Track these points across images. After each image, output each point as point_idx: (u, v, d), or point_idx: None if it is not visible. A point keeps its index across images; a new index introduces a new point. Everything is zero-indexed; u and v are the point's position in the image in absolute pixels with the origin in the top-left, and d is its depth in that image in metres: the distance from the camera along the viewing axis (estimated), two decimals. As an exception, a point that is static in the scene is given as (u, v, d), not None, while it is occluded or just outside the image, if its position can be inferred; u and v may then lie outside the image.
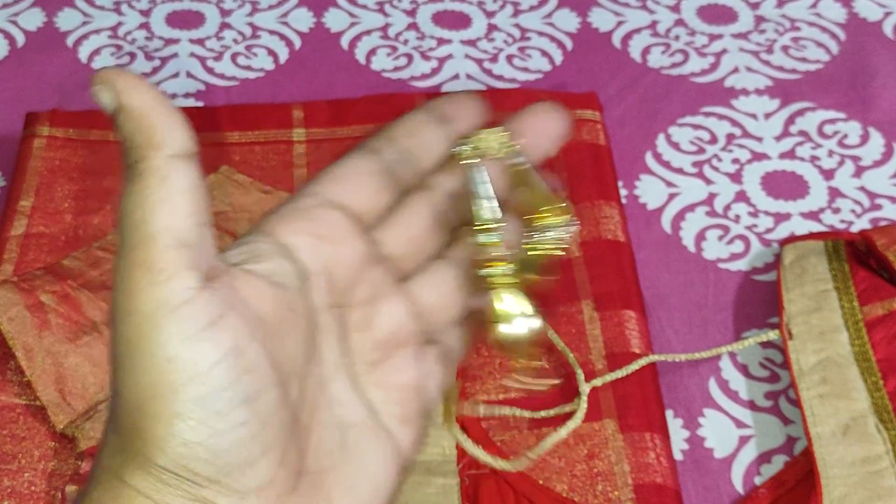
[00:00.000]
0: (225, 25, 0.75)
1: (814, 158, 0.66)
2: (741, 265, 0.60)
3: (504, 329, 0.32)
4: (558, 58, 0.73)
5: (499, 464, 0.49)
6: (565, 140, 0.34)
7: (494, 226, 0.32)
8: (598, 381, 0.52)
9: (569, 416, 0.52)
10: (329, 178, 0.32)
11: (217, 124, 0.66)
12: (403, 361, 0.32)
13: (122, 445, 0.27)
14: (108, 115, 0.27)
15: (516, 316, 0.32)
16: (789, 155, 0.66)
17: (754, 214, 0.63)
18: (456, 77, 0.72)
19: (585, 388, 0.52)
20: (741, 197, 0.64)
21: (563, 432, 0.50)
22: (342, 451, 0.30)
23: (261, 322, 0.28)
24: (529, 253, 0.33)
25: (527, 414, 0.51)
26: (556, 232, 0.32)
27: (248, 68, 0.72)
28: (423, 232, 0.33)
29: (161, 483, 0.27)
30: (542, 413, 0.52)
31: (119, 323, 0.27)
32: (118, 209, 0.27)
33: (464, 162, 0.33)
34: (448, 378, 0.34)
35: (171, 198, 0.26)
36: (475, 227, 0.32)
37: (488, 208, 0.32)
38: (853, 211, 0.63)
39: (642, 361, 0.53)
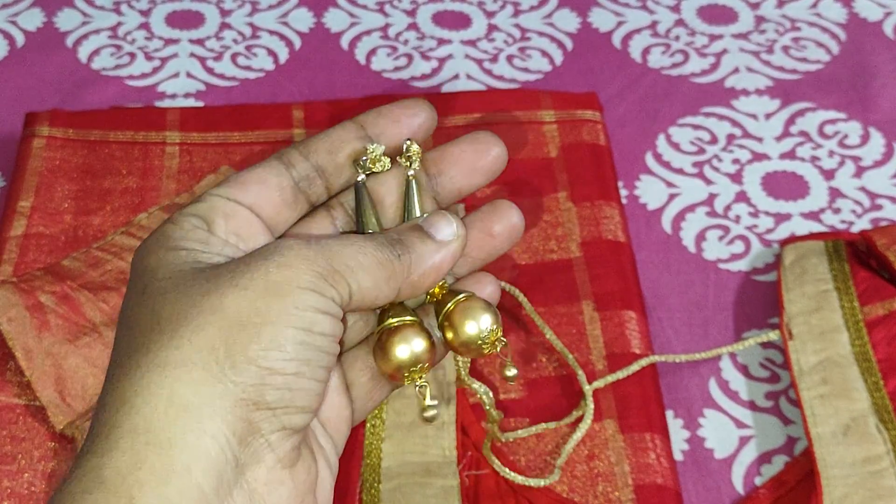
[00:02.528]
0: (225, 25, 0.75)
1: (814, 159, 0.66)
2: (741, 265, 0.60)
3: (460, 334, 0.33)
4: (558, 58, 0.73)
5: (532, 482, 0.49)
6: (501, 172, 0.34)
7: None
8: (600, 383, 0.52)
9: (575, 419, 0.52)
10: (238, 182, 0.32)
11: (217, 124, 0.66)
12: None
13: (186, 358, 0.28)
14: (425, 229, 0.32)
15: (464, 321, 0.33)
16: (790, 155, 0.66)
17: (755, 215, 0.63)
18: (456, 77, 0.72)
19: (589, 389, 0.52)
20: (741, 197, 0.64)
21: (579, 434, 0.50)
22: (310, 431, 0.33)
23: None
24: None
25: (552, 426, 0.51)
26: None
27: (248, 68, 0.72)
28: None
29: (220, 398, 0.28)
30: (565, 420, 0.52)
31: (265, 267, 0.29)
32: (331, 239, 0.31)
33: (358, 179, 0.34)
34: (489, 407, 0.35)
35: (372, 273, 0.31)
36: None
37: (369, 224, 0.33)
38: (853, 211, 0.63)
39: (643, 362, 0.53)
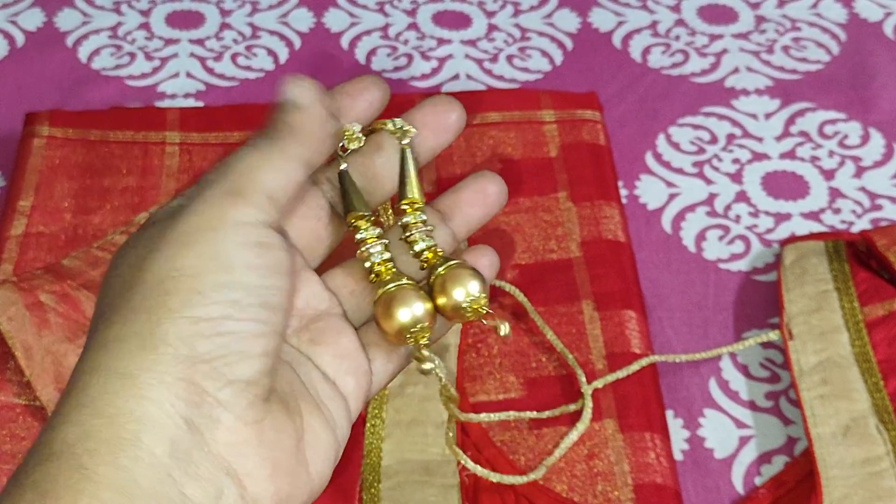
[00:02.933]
0: (225, 25, 0.75)
1: (814, 159, 0.66)
2: (741, 265, 0.60)
3: (448, 299, 0.33)
4: (558, 58, 0.73)
5: (514, 479, 0.48)
6: (460, 131, 0.37)
7: (364, 221, 0.34)
8: (599, 383, 0.52)
9: (571, 416, 0.52)
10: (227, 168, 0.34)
11: (217, 124, 0.66)
12: (330, 327, 0.34)
13: (116, 333, 0.29)
14: (282, 100, 0.31)
15: (451, 287, 0.34)
16: (790, 155, 0.66)
17: (755, 215, 0.63)
18: (456, 77, 0.72)
19: (588, 389, 0.52)
20: (741, 197, 0.64)
21: (574, 435, 0.50)
22: (299, 383, 0.32)
23: (293, 271, 0.31)
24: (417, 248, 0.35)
25: (531, 415, 0.51)
26: (417, 233, 0.35)
27: (249, 68, 0.72)
28: (317, 224, 0.35)
29: (155, 362, 0.28)
30: (547, 413, 0.51)
31: (178, 221, 0.29)
32: (230, 156, 0.31)
33: (340, 158, 0.35)
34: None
35: (281, 171, 0.31)
36: (349, 224, 0.34)
37: (357, 205, 0.34)
38: (854, 211, 0.63)
39: (643, 362, 0.53)
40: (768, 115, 0.69)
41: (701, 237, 0.62)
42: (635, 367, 0.53)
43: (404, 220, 0.35)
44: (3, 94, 0.70)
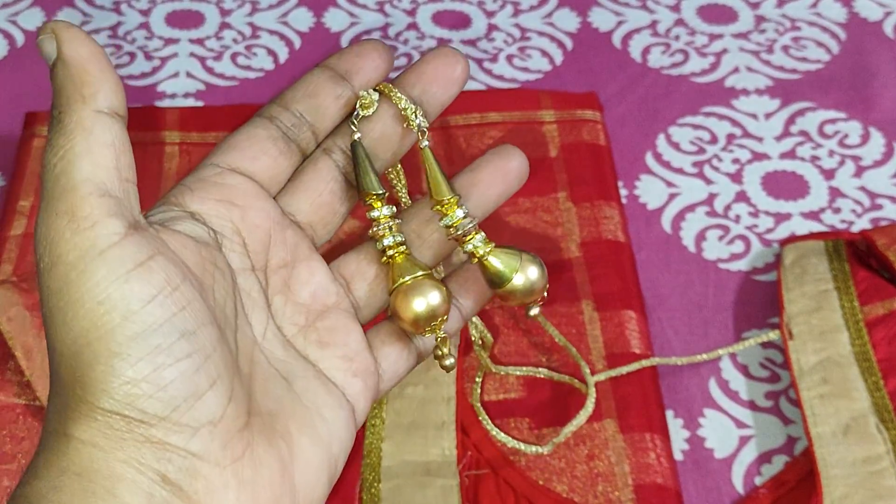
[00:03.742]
0: (225, 25, 0.75)
1: (814, 158, 0.66)
2: (741, 265, 0.60)
3: (509, 287, 0.33)
4: (558, 58, 0.73)
5: (523, 446, 0.49)
6: (464, 84, 0.35)
7: (378, 202, 0.33)
8: (601, 376, 0.52)
9: (572, 413, 0.52)
10: (228, 147, 0.32)
11: (217, 124, 0.66)
12: (337, 325, 0.32)
13: (65, 401, 0.27)
14: (48, 65, 0.27)
15: (510, 275, 0.33)
16: (790, 155, 0.66)
17: (755, 214, 0.63)
18: (456, 77, 0.72)
19: (591, 380, 0.52)
20: (741, 197, 0.64)
21: (581, 419, 0.50)
22: (291, 398, 0.31)
23: (188, 268, 0.28)
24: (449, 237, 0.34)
25: (545, 373, 0.52)
26: (454, 228, 0.34)
27: (248, 68, 0.72)
28: (330, 197, 0.33)
29: (109, 429, 0.26)
30: (566, 378, 0.52)
31: (45, 276, 0.27)
32: (41, 164, 0.27)
33: (352, 132, 0.33)
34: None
35: (93, 150, 0.26)
36: (363, 201, 0.33)
37: (370, 184, 0.33)
38: (854, 211, 0.63)
39: (643, 363, 0.53)
40: (768, 115, 0.69)
41: (701, 237, 0.62)
42: (636, 366, 0.53)
43: (445, 221, 0.34)
44: (3, 95, 0.70)
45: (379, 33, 0.75)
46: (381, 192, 0.33)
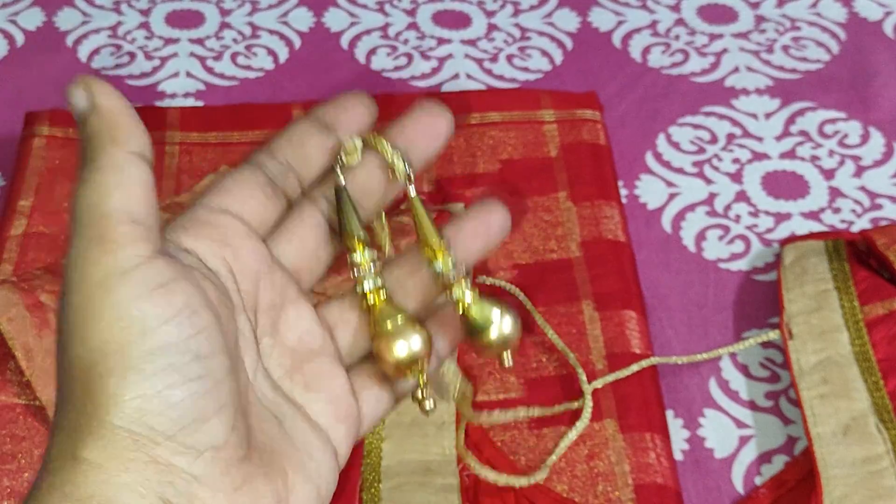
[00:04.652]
0: (225, 25, 0.75)
1: (814, 158, 0.66)
2: (741, 265, 0.60)
3: (484, 338, 0.33)
4: (558, 57, 0.73)
5: (519, 481, 0.48)
6: (449, 139, 0.35)
7: (360, 245, 0.33)
8: (598, 383, 0.52)
9: (571, 416, 0.52)
10: (218, 190, 0.33)
11: (217, 124, 0.66)
12: (322, 370, 0.33)
13: (73, 420, 0.27)
14: (76, 114, 0.29)
15: (490, 321, 0.33)
16: (790, 155, 0.66)
17: (755, 214, 0.63)
18: (456, 76, 0.72)
19: (588, 388, 0.52)
20: (741, 197, 0.64)
21: (573, 434, 0.50)
22: (284, 437, 0.31)
23: (207, 296, 0.29)
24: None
25: (535, 413, 0.51)
26: (443, 275, 0.34)
27: (248, 68, 0.72)
28: (315, 244, 0.34)
29: (116, 448, 0.27)
30: (550, 410, 0.51)
31: (70, 294, 0.28)
32: (72, 198, 0.28)
33: (336, 178, 0.34)
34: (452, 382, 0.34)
35: (125, 185, 0.28)
36: (346, 245, 0.33)
37: (353, 228, 0.33)
38: (853, 211, 0.63)
39: (644, 363, 0.53)
40: (768, 115, 0.69)
41: (701, 237, 0.62)
42: (635, 367, 0.53)
43: (434, 267, 0.34)
44: (2, 94, 0.70)
45: (379, 33, 0.75)
46: (363, 235, 0.33)
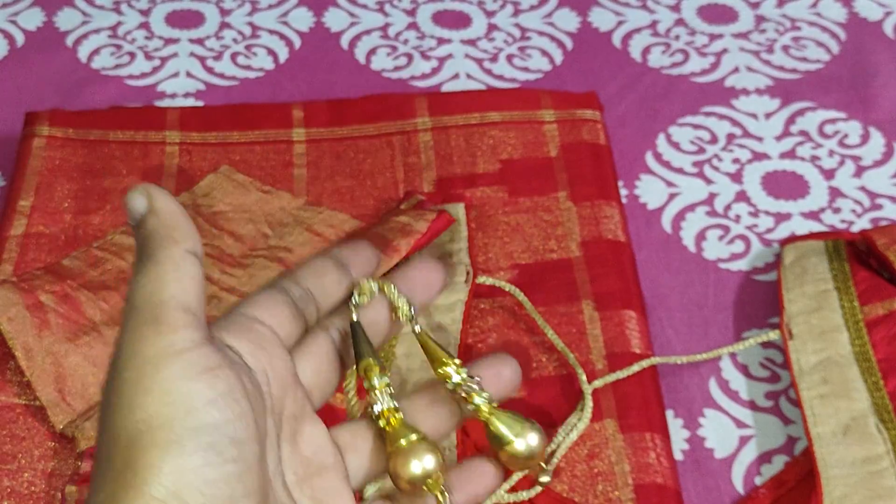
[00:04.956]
0: (225, 25, 0.75)
1: (814, 158, 0.66)
2: (741, 265, 0.60)
3: (509, 450, 0.36)
4: (558, 57, 0.73)
5: (524, 495, 0.48)
6: (442, 290, 0.40)
7: (374, 371, 0.36)
8: (599, 383, 0.52)
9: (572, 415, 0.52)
10: (251, 302, 0.35)
11: (217, 124, 0.66)
12: (331, 486, 0.35)
13: (111, 491, 0.29)
14: (133, 217, 0.32)
15: (512, 438, 0.36)
16: (790, 155, 0.66)
17: (755, 214, 0.63)
18: (456, 76, 0.72)
19: (588, 389, 0.52)
20: (741, 197, 0.64)
21: (574, 434, 0.50)
22: None
23: (246, 387, 0.31)
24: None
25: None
26: (459, 387, 0.37)
27: (248, 68, 0.72)
28: (327, 368, 0.36)
29: None
30: (559, 438, 0.51)
31: (120, 368, 0.30)
32: (128, 290, 0.31)
33: (351, 313, 0.37)
34: None
35: (180, 278, 0.31)
36: (361, 372, 0.36)
37: (367, 357, 0.36)
38: (854, 211, 0.63)
39: (644, 363, 0.53)
40: (768, 115, 0.69)
41: (701, 237, 0.62)
42: (636, 367, 0.53)
43: (451, 382, 0.37)
44: (2, 94, 0.70)
45: (379, 33, 0.75)
46: (375, 363, 0.36)
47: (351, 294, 0.37)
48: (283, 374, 0.34)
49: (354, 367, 0.37)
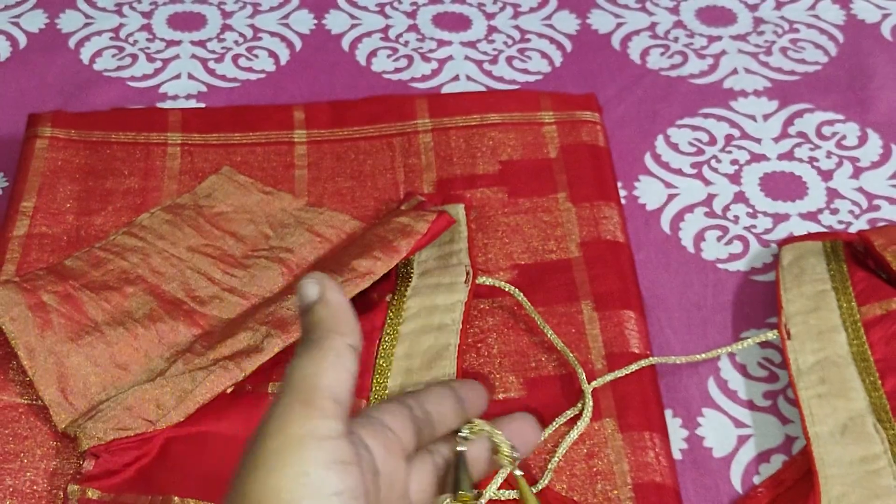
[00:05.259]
0: (226, 27, 0.76)
1: (812, 159, 0.66)
2: (740, 265, 0.61)
3: None
4: (558, 59, 0.74)
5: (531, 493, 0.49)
6: (533, 448, 0.44)
7: (471, 501, 0.39)
8: (599, 382, 0.53)
9: (571, 417, 0.52)
10: (383, 410, 0.38)
11: (218, 125, 0.66)
12: None
13: None
14: (304, 302, 0.35)
15: None
16: (788, 156, 0.67)
17: (753, 215, 0.63)
18: (456, 78, 0.72)
19: (589, 388, 0.52)
20: (740, 198, 0.64)
21: (574, 434, 0.51)
22: None
23: (368, 487, 0.34)
24: None
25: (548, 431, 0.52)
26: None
27: (250, 70, 0.73)
28: (428, 488, 0.39)
29: None
30: (558, 422, 0.52)
31: (266, 436, 0.32)
32: (289, 367, 0.33)
33: (458, 446, 0.41)
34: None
35: (338, 370, 0.34)
36: (459, 499, 0.40)
37: (466, 487, 0.40)
38: (851, 212, 0.63)
39: (643, 363, 0.54)
40: (766, 116, 0.69)
41: (700, 237, 0.62)
42: (635, 367, 0.53)
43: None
44: (5, 96, 0.70)
45: (379, 35, 0.75)
46: (475, 494, 0.40)
47: (461, 427, 0.41)
48: (400, 484, 0.37)
49: (450, 493, 0.39)
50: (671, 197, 0.64)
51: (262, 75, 0.72)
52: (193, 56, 0.73)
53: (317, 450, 0.32)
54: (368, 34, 0.76)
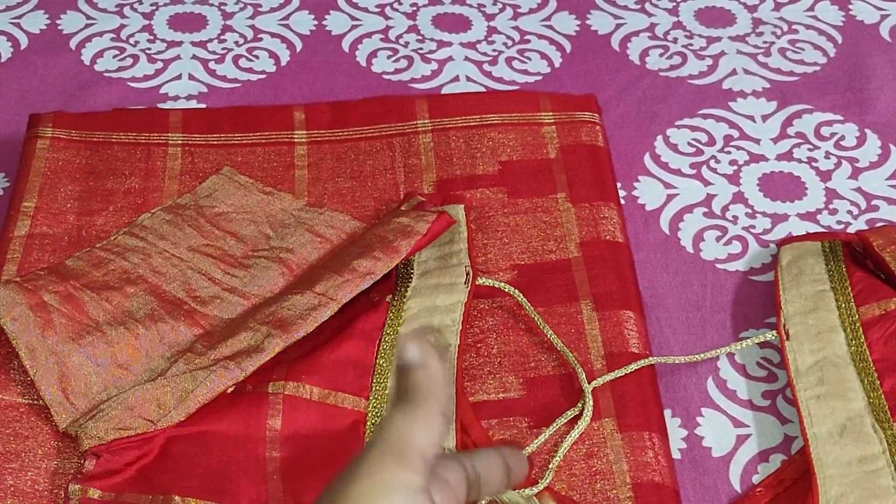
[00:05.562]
0: (227, 28, 0.76)
1: (811, 160, 0.67)
2: (739, 266, 0.61)
3: None
4: (557, 60, 0.74)
5: (528, 492, 0.49)
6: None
7: None
8: (599, 382, 0.53)
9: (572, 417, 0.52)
10: (444, 467, 0.40)
11: (219, 126, 0.66)
12: None
13: None
14: (405, 361, 0.37)
15: None
16: (786, 156, 0.67)
17: (752, 215, 0.63)
18: (456, 79, 0.72)
19: (589, 388, 0.52)
20: (739, 198, 0.64)
21: (575, 434, 0.51)
22: None
23: None
24: None
25: (548, 432, 0.52)
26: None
27: (250, 70, 0.73)
28: None
29: None
30: (559, 422, 0.52)
31: (357, 478, 0.35)
32: (385, 421, 0.36)
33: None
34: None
35: (430, 433, 0.36)
36: None
37: None
38: (850, 212, 0.64)
39: (642, 363, 0.54)
40: (765, 117, 0.69)
41: (699, 238, 0.62)
42: (634, 367, 0.53)
43: None
44: (7, 96, 0.70)
45: (380, 36, 0.76)
46: None
47: (504, 490, 0.42)
48: None
49: None
50: (670, 197, 0.64)
51: (263, 76, 0.72)
52: (194, 57, 0.73)
53: (402, 498, 0.34)
54: (369, 35, 0.76)
